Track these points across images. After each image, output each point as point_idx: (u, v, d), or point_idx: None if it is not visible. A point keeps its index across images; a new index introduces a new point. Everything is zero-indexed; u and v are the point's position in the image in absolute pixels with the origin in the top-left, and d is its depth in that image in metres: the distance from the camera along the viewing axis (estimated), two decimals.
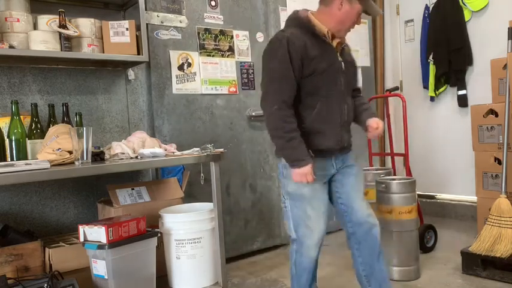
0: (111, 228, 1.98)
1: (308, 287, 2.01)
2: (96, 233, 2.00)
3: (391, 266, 2.60)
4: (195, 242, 2.27)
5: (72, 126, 2.24)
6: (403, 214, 2.57)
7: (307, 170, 1.78)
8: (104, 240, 1.97)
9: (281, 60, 1.78)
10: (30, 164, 1.83)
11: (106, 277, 2.00)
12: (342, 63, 1.93)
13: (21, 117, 2.20)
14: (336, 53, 1.92)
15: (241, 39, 3.22)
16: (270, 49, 1.85)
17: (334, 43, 1.92)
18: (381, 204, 2.65)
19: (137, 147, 2.29)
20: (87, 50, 2.36)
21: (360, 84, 2.38)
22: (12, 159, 2.14)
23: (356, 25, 1.94)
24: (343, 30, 1.92)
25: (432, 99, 4.17)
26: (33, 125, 2.26)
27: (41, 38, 2.20)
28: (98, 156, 2.15)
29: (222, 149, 2.39)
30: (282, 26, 3.42)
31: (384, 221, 2.58)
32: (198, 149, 2.35)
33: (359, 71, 2.61)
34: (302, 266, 1.97)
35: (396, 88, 3.64)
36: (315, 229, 1.90)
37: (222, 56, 3.12)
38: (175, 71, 2.90)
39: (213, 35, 3.08)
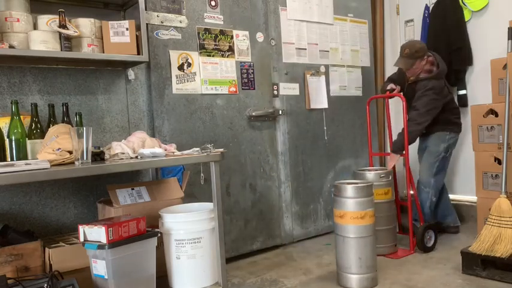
0: (111, 228, 1.98)
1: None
2: (96, 233, 2.00)
3: (349, 274, 2.51)
4: (195, 242, 2.27)
5: (72, 126, 2.23)
6: (356, 219, 2.46)
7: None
8: (104, 240, 1.97)
9: None
10: (30, 164, 1.83)
11: (106, 277, 2.00)
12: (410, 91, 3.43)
13: (21, 117, 2.19)
14: (409, 85, 3.41)
15: (241, 39, 3.22)
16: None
17: (410, 81, 3.43)
18: (334, 207, 2.57)
19: (137, 147, 2.29)
20: (87, 50, 2.36)
21: (417, 102, 3.25)
22: (12, 159, 2.13)
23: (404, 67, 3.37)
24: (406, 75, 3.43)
25: None
26: (33, 125, 2.26)
27: (41, 38, 2.20)
28: (98, 156, 2.15)
29: (222, 149, 2.39)
30: (282, 26, 3.45)
31: (337, 226, 2.54)
32: (198, 149, 2.35)
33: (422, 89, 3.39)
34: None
35: None
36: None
37: (222, 56, 3.12)
38: (175, 71, 2.90)
39: (213, 35, 3.08)
